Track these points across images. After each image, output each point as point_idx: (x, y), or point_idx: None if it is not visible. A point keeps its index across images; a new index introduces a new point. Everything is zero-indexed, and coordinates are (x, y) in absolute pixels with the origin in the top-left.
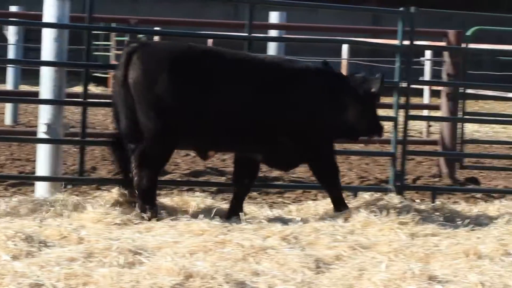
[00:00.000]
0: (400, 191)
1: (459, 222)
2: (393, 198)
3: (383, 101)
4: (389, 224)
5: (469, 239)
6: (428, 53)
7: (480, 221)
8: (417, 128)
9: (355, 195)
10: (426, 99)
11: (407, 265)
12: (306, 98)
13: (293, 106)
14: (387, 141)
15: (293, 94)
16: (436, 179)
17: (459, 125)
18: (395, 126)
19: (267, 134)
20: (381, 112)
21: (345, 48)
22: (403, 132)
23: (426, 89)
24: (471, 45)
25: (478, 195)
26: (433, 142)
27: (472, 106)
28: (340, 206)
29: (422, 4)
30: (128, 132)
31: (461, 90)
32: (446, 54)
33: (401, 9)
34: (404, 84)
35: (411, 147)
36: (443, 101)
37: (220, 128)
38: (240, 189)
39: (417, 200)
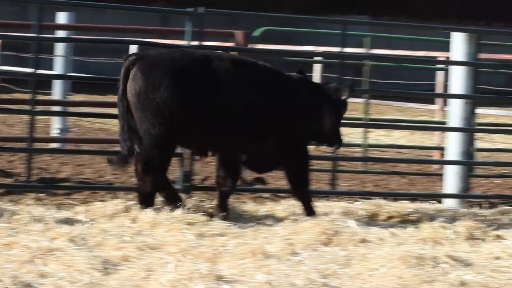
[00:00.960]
0: (188, 191)
1: (247, 222)
2: (182, 198)
3: None
4: (177, 225)
5: (256, 238)
6: None
7: (267, 221)
8: None
9: None
10: None
11: (194, 265)
12: (294, 102)
13: (282, 110)
14: None
15: (283, 98)
16: None
17: None
18: None
19: (257, 136)
20: None
21: (133, 49)
22: None
23: None
24: (259, 46)
25: (266, 194)
26: None
27: None
28: (310, 212)
29: (211, 5)
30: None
31: None
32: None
33: (189, 9)
34: None
35: None
36: None
37: (216, 131)
38: (224, 190)
39: (206, 200)
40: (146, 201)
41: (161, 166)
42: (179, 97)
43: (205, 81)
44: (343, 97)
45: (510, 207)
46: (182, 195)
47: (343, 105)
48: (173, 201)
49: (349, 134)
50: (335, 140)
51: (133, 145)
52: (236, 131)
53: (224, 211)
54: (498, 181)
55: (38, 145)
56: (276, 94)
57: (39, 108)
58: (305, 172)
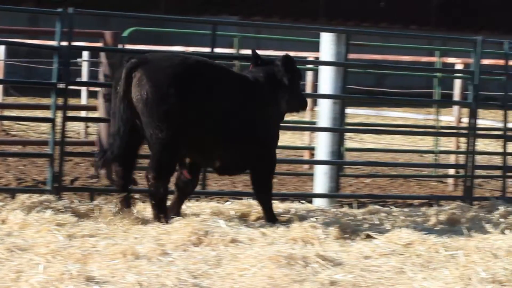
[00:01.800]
0: (58, 192)
1: (118, 223)
2: (51, 199)
3: (41, 102)
4: (47, 226)
5: (126, 239)
6: (85, 54)
7: (137, 221)
8: (76, 129)
9: (13, 197)
10: (83, 100)
11: (64, 267)
12: (264, 101)
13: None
14: (45, 142)
15: (258, 99)
16: (94, 180)
17: None
18: (53, 127)
19: (242, 139)
20: (38, 113)
21: (1, 49)
22: (61, 133)
23: (83, 90)
24: (128, 46)
25: (137, 195)
26: (91, 143)
27: None
28: (272, 217)
29: (81, 5)
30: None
31: None
32: (103, 55)
33: (59, 10)
34: (62, 85)
35: (69, 148)
36: (100, 102)
37: (217, 133)
38: (182, 194)
39: (76, 201)
40: (159, 206)
41: (171, 169)
42: (186, 103)
43: (207, 86)
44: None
45: (380, 207)
46: (51, 197)
47: (296, 76)
48: (127, 205)
49: None
50: (300, 106)
51: (120, 148)
52: (230, 135)
53: (178, 214)
54: (367, 180)
55: None
56: (255, 97)
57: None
58: (270, 175)
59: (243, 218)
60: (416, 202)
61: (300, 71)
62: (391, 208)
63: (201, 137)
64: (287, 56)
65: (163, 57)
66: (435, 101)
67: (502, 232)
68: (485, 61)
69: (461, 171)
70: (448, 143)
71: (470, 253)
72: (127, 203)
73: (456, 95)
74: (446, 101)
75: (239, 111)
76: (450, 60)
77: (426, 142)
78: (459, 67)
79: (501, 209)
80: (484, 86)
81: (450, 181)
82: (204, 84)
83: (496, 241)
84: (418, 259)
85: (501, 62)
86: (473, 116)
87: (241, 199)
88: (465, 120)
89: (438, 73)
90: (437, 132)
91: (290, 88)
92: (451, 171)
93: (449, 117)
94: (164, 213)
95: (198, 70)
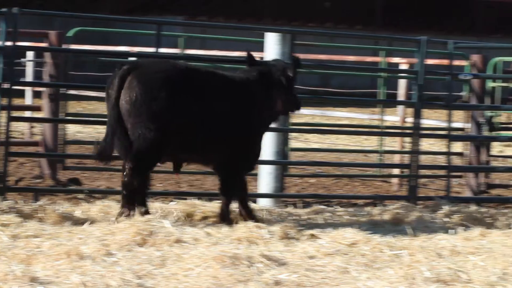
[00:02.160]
0: (2, 192)
1: (62, 223)
2: None
3: None
4: None
5: (71, 239)
6: (30, 54)
7: (82, 222)
8: (20, 129)
9: None
10: (28, 100)
11: (9, 267)
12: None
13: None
14: None
15: (248, 101)
16: (39, 180)
17: (61, 126)
18: None
19: (228, 142)
20: None
21: None
22: (5, 133)
23: (28, 90)
24: (73, 46)
25: (81, 195)
26: (36, 143)
27: (75, 106)
28: (226, 217)
29: (25, 5)
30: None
31: (63, 91)
32: (47, 55)
33: (3, 10)
34: (6, 85)
35: (13, 148)
36: (45, 102)
37: (204, 137)
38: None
39: (20, 202)
40: (128, 198)
41: (150, 166)
42: (174, 104)
43: (192, 90)
44: (289, 74)
45: (324, 207)
46: None
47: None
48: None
49: None
50: (295, 106)
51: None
52: (217, 137)
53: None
54: (312, 180)
55: None
56: (243, 99)
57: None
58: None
59: (188, 218)
60: (360, 201)
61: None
62: (336, 208)
63: (190, 138)
64: (296, 58)
65: (153, 62)
66: (379, 101)
67: (446, 232)
68: (430, 61)
69: (406, 171)
70: (392, 143)
71: (414, 253)
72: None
73: (401, 95)
74: (390, 101)
75: (229, 112)
76: (395, 60)
77: (370, 142)
78: (403, 67)
79: (445, 208)
80: (429, 86)
81: (395, 180)
82: (192, 88)
83: (440, 241)
84: (363, 259)
85: (445, 62)
86: (417, 116)
87: (186, 199)
88: (410, 120)
89: (382, 73)
90: (381, 132)
91: (286, 88)
92: (396, 171)
93: (393, 117)
94: (132, 206)
95: (187, 74)
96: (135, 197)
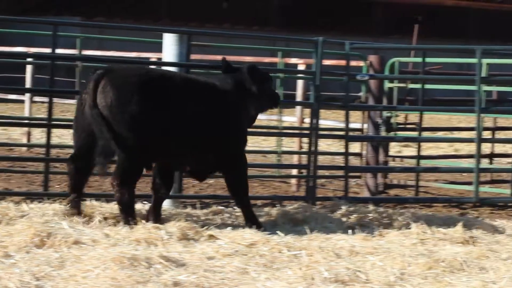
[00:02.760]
0: None
1: None
2: None
3: None
4: None
5: None
6: None
7: None
8: None
9: None
10: None
11: None
12: (230, 109)
13: (224, 118)
14: None
15: (224, 107)
16: None
17: None
18: None
19: (206, 146)
20: None
21: None
22: None
23: None
24: None
25: None
26: None
27: None
28: (255, 221)
29: None
30: (85, 153)
31: None
32: None
33: None
34: None
35: None
36: None
37: (179, 140)
38: (158, 197)
39: None
40: (127, 211)
41: (136, 174)
42: (148, 110)
43: (165, 95)
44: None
45: (223, 207)
46: None
47: (264, 81)
48: (75, 207)
49: (64, 135)
50: (272, 104)
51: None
52: (194, 142)
53: (158, 216)
54: (211, 181)
55: None
56: (218, 104)
57: None
58: (243, 178)
59: (86, 219)
60: (259, 202)
61: (267, 73)
62: (235, 209)
63: (167, 144)
64: (252, 66)
65: (127, 68)
66: None
67: (345, 232)
68: (327, 62)
69: (304, 172)
70: (291, 144)
71: (313, 253)
72: (76, 205)
73: (299, 95)
74: (288, 102)
75: (205, 117)
76: (293, 61)
77: (269, 143)
78: (301, 67)
79: (344, 209)
80: (326, 86)
81: (293, 181)
82: (167, 93)
83: (339, 241)
84: (261, 259)
85: (342, 62)
86: (315, 116)
87: (85, 200)
88: (308, 120)
89: (280, 73)
90: (279, 132)
91: (259, 93)
92: (294, 172)
93: (291, 118)
94: (132, 216)
95: (161, 80)
96: (133, 209)
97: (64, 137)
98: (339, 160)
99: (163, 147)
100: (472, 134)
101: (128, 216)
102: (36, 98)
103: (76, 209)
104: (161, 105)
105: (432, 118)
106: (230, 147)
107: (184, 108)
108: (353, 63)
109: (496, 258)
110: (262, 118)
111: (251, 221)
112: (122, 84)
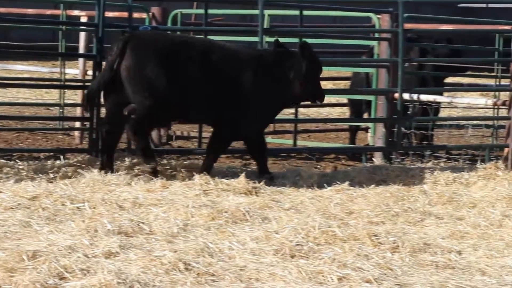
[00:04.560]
0: None
1: None
2: None
3: None
4: None
5: None
6: None
7: None
8: None
9: None
10: None
11: None
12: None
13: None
14: None
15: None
16: None
17: None
18: None
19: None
20: None
21: None
22: None
23: None
24: None
25: None
26: None
27: None
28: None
29: None
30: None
31: None
32: None
33: None
34: None
35: None
36: None
37: (194, 102)
38: None
39: None
40: (144, 153)
41: (149, 126)
42: (162, 72)
43: (183, 60)
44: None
45: (5, 161)
46: None
47: (311, 63)
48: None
49: None
50: (316, 96)
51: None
52: (210, 103)
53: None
54: None
55: None
56: (249, 72)
57: None
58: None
59: None
60: (42, 155)
61: (320, 63)
62: (17, 162)
63: (186, 107)
64: (304, 43)
65: (151, 34)
66: (60, 54)
67: (128, 184)
68: (110, 14)
69: (87, 124)
70: (74, 96)
71: (96, 205)
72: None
73: (81, 48)
74: (71, 54)
75: (229, 83)
76: (75, 13)
77: (52, 96)
78: (83, 19)
79: (127, 161)
80: (109, 39)
81: (77, 134)
82: (183, 59)
83: (122, 193)
84: (44, 212)
85: (125, 14)
86: (97, 68)
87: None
88: (91, 73)
89: (63, 25)
90: (62, 85)
91: (306, 74)
92: (77, 124)
93: (74, 70)
94: (151, 156)
95: (182, 46)
96: (151, 150)
97: None
98: None
99: (177, 109)
100: None
101: (147, 157)
102: None
103: (109, 168)
104: (175, 70)
105: None
106: (239, 119)
107: (199, 74)
108: (136, 15)
109: (279, 208)
110: (44, 71)
111: (207, 170)
112: (141, 48)
